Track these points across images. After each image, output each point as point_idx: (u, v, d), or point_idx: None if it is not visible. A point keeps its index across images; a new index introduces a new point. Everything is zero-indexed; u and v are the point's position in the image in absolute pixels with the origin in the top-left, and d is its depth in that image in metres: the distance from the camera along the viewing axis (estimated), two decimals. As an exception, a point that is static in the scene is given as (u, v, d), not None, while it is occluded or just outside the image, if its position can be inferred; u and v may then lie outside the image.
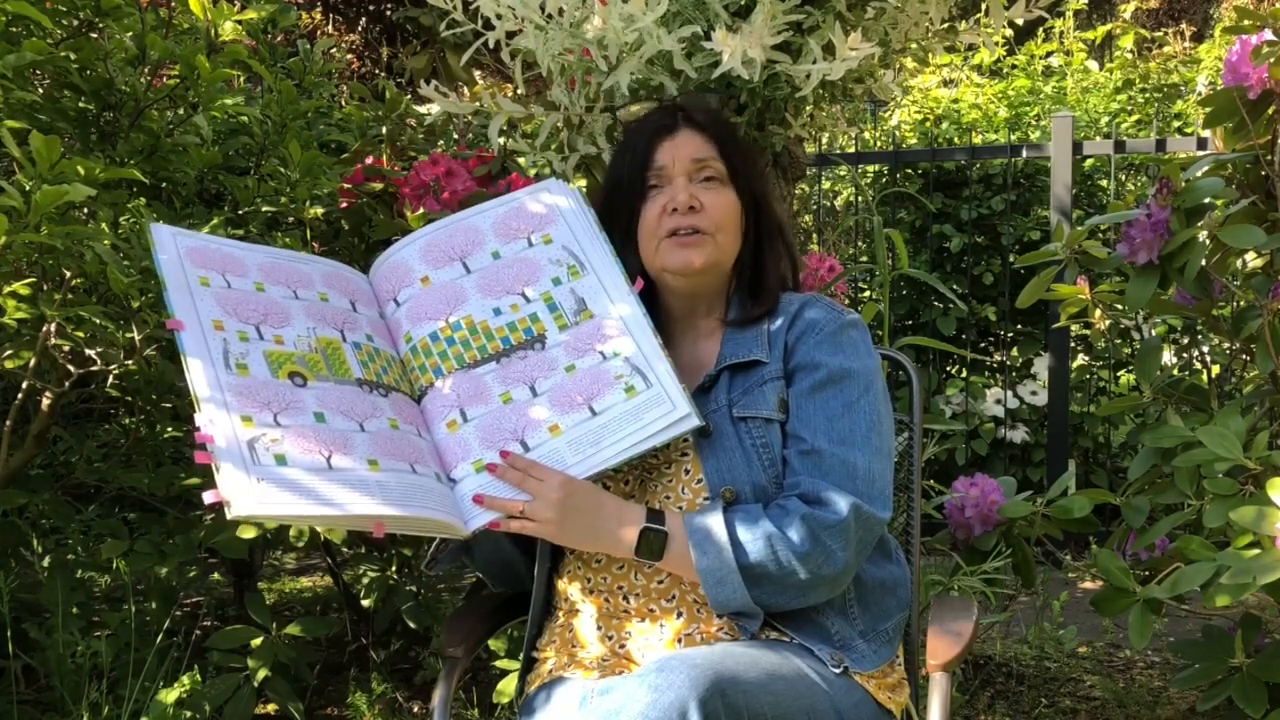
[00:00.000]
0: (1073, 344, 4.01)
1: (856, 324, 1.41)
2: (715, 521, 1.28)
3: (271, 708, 2.39)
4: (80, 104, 1.98)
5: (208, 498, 1.13)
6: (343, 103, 2.97)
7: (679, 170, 1.41)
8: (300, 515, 1.16)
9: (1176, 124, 4.98)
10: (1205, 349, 2.69)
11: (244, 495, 1.13)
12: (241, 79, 2.54)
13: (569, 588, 1.41)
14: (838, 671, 1.29)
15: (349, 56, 7.09)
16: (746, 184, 1.45)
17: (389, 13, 7.24)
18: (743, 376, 1.39)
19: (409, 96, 2.50)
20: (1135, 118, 5.08)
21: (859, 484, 1.30)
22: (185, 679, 2.06)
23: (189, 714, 2.04)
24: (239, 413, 1.19)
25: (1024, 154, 4.01)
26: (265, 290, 1.35)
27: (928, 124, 4.94)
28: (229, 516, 1.12)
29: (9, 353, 1.84)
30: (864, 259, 4.53)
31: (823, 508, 1.28)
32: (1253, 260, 2.22)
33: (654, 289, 1.46)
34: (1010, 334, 4.33)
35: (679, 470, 1.37)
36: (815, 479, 1.30)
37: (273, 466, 1.16)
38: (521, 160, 2.06)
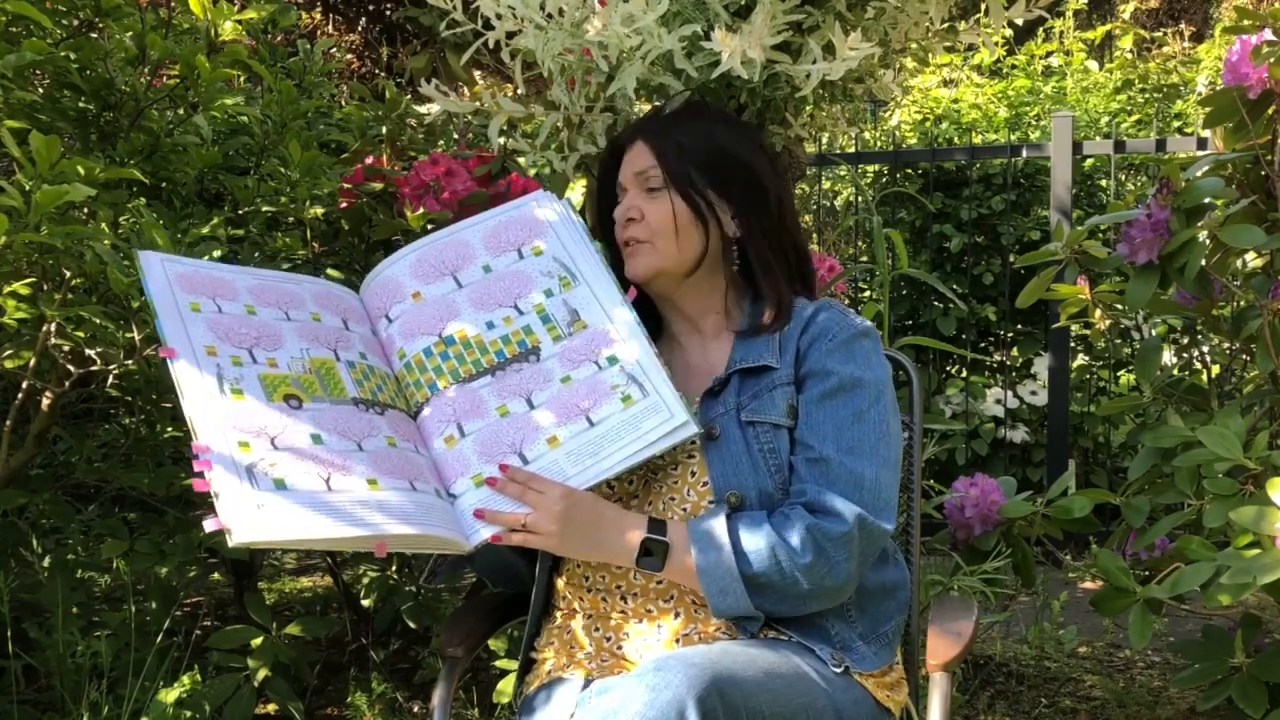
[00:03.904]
0: (1073, 344, 4.01)
1: (870, 333, 1.41)
2: (719, 529, 1.27)
3: (271, 708, 2.39)
4: (80, 104, 1.98)
5: (208, 526, 1.12)
6: (343, 103, 2.96)
7: (630, 183, 1.45)
8: (302, 539, 1.15)
9: (1176, 124, 4.98)
10: (1205, 349, 2.69)
11: (245, 522, 1.12)
12: (241, 79, 2.54)
13: (568, 588, 1.41)
14: (838, 671, 1.29)
15: (349, 56, 7.08)
16: (688, 188, 1.42)
17: (389, 13, 7.23)
18: (753, 381, 1.39)
19: (409, 96, 2.49)
20: (1135, 118, 5.08)
21: (865, 495, 1.30)
22: (185, 679, 2.06)
23: (189, 714, 2.04)
24: (236, 438, 1.19)
25: (1024, 154, 4.01)
26: (256, 313, 1.34)
27: (928, 124, 4.94)
28: (230, 544, 1.11)
29: (9, 353, 1.84)
30: (864, 259, 4.53)
31: (828, 518, 1.27)
32: (1253, 260, 2.22)
33: (650, 300, 1.47)
34: (1010, 334, 4.33)
35: (685, 472, 1.37)
36: (821, 488, 1.30)
37: (273, 491, 1.16)
38: (521, 160, 2.06)
